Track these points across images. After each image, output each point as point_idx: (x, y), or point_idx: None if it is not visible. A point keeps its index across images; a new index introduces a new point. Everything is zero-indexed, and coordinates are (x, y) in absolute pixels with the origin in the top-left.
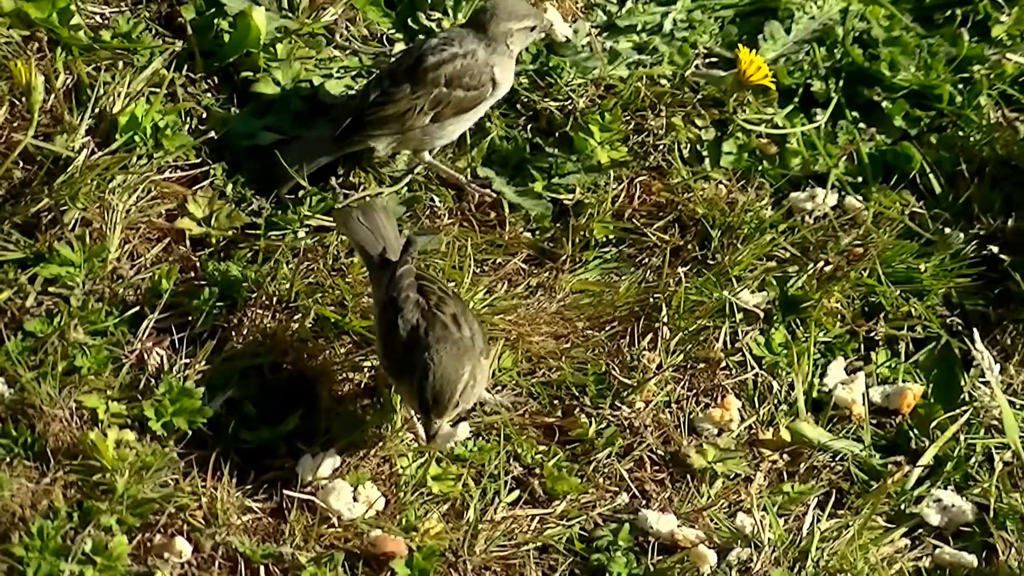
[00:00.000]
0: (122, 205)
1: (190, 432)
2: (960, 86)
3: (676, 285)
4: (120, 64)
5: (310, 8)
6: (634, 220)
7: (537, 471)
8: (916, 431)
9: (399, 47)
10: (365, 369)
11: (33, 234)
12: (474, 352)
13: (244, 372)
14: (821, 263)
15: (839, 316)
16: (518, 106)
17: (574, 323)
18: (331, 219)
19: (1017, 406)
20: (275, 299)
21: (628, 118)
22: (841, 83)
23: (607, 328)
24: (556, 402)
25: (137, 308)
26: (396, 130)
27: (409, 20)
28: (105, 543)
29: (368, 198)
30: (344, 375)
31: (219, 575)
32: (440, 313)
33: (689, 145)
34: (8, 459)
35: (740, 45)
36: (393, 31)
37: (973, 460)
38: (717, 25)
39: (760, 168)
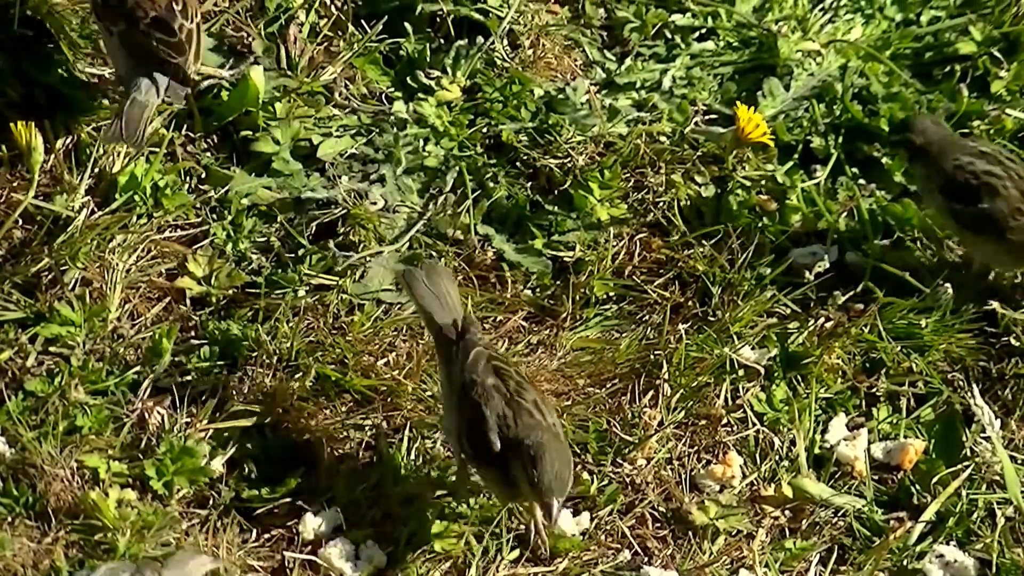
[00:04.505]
0: (122, 264)
1: (191, 491)
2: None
3: (677, 342)
4: None
5: (309, 67)
6: (634, 277)
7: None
8: (918, 487)
9: (398, 105)
10: (366, 428)
11: (33, 294)
12: (562, 438)
13: (245, 431)
14: (822, 319)
15: (840, 372)
16: (518, 164)
17: (575, 380)
18: (331, 278)
19: (1019, 461)
20: (276, 358)
21: (628, 175)
22: (840, 139)
23: (608, 385)
24: None
25: (138, 367)
26: None
27: (408, 79)
28: None
29: (428, 260)
30: (345, 433)
31: None
32: (523, 400)
33: (689, 202)
34: (9, 518)
35: (738, 102)
36: (392, 89)
37: (975, 515)
38: (716, 82)
39: (760, 224)
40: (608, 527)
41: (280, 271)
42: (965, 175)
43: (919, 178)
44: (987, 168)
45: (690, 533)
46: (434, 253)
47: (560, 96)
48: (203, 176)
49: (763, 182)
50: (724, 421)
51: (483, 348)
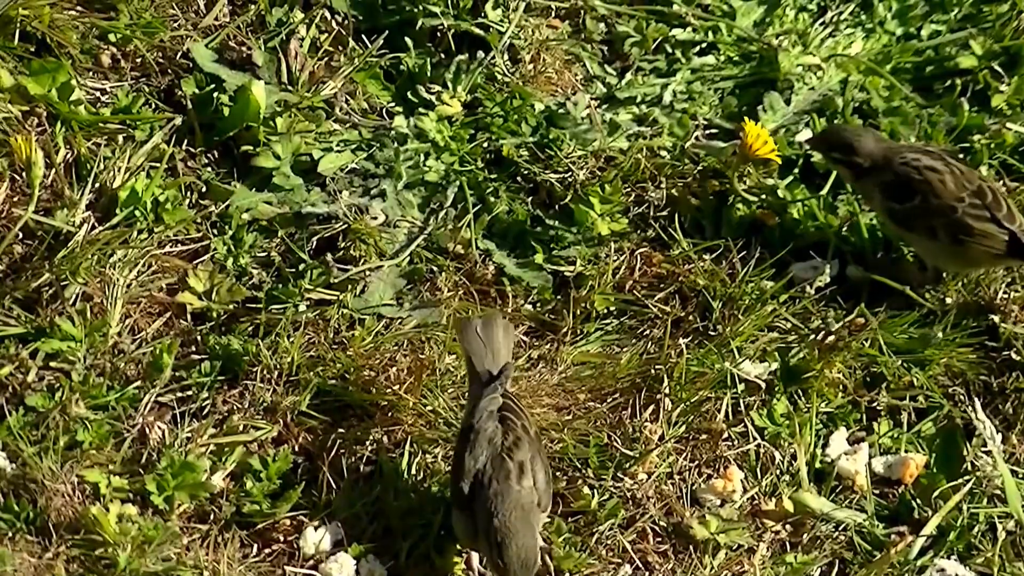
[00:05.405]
0: (123, 279)
1: (192, 506)
2: (960, 156)
3: (677, 356)
4: (120, 139)
5: (310, 82)
6: (635, 292)
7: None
8: (919, 501)
9: (399, 120)
10: (367, 442)
11: (34, 309)
12: (534, 508)
13: (245, 446)
14: (822, 333)
15: (841, 386)
16: (518, 178)
17: (576, 395)
18: (332, 293)
19: (1019, 475)
20: (276, 373)
21: (628, 190)
22: None
23: (609, 400)
24: (558, 474)
25: (138, 382)
26: None
27: (408, 93)
28: None
29: (493, 311)
30: (346, 448)
31: None
32: (509, 459)
33: (690, 216)
34: (10, 534)
35: (746, 119)
36: (393, 104)
37: (976, 530)
38: (717, 96)
39: (761, 239)
40: (609, 541)
41: (281, 286)
42: (908, 170)
43: (864, 189)
44: (930, 164)
45: (691, 547)
46: (435, 268)
47: (561, 111)
48: (204, 191)
49: (764, 196)
50: (725, 435)
51: (499, 396)
